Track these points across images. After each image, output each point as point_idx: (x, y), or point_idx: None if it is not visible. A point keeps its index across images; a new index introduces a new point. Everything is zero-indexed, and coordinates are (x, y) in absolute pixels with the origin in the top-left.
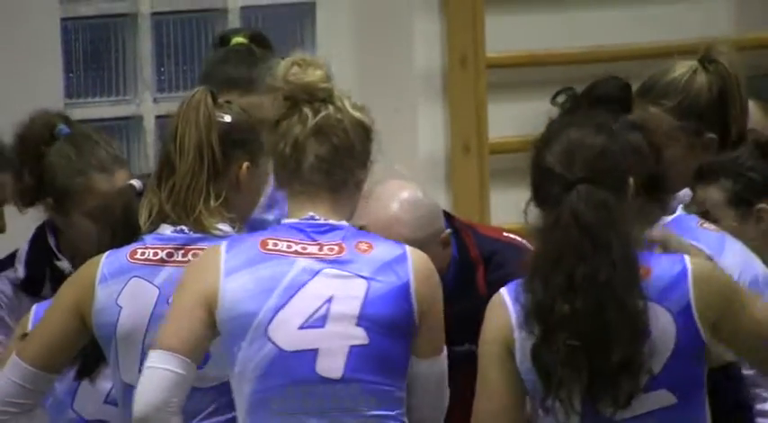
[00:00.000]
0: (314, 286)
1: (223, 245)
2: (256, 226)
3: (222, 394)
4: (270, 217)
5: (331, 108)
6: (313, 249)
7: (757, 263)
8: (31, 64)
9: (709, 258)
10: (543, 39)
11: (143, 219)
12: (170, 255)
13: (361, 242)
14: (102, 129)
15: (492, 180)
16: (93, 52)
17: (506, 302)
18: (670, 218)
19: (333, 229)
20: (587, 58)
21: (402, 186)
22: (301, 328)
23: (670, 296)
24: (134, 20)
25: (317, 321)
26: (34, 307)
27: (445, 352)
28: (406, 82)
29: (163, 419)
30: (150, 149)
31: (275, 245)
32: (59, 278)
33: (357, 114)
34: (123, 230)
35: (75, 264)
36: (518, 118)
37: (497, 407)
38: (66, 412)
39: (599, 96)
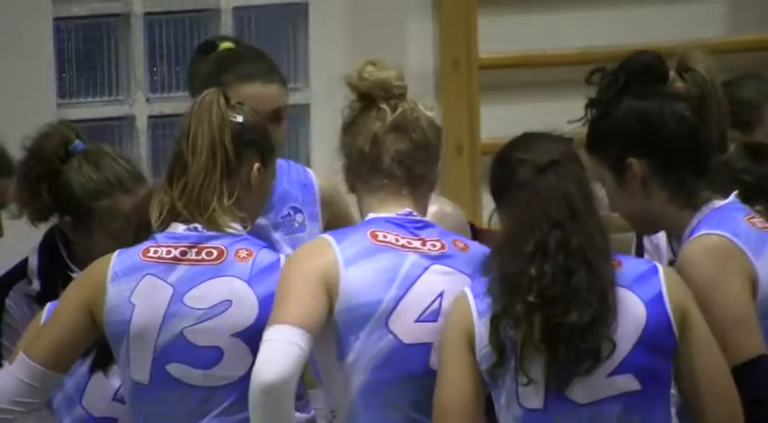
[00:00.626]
0: (426, 280)
1: (328, 236)
2: (253, 229)
3: (231, 393)
4: (264, 221)
5: (406, 105)
6: (417, 244)
7: None
8: (23, 64)
9: (744, 254)
10: (536, 40)
11: (154, 217)
12: (183, 253)
13: (456, 240)
14: (94, 129)
15: (484, 181)
16: (85, 52)
17: (468, 296)
18: (721, 203)
19: (428, 225)
20: (579, 59)
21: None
22: (417, 321)
23: (642, 285)
24: (126, 20)
25: (431, 315)
26: (48, 305)
27: None
28: None
29: (287, 393)
30: (143, 149)
31: (385, 237)
32: None
33: (430, 114)
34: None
35: None
36: (511, 119)
37: (457, 398)
38: (75, 408)
39: (635, 70)
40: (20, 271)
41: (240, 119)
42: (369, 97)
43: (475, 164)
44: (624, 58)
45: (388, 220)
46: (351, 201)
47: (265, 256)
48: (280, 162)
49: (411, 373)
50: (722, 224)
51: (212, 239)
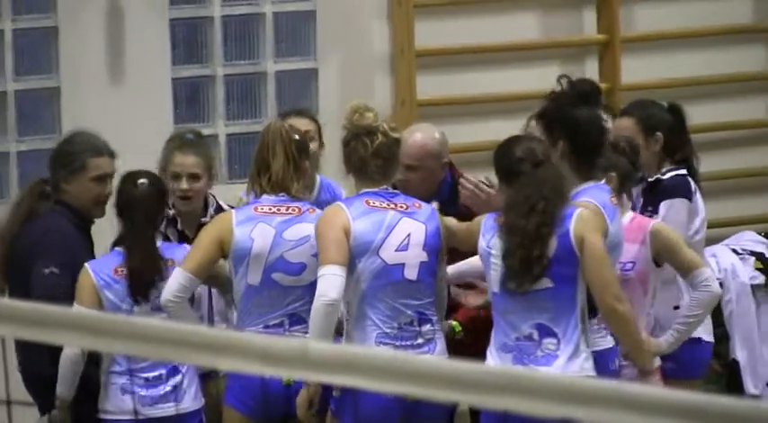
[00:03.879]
0: (400, 227)
1: (341, 204)
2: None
3: (309, 292)
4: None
5: (380, 137)
6: (392, 206)
7: (623, 235)
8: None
9: (599, 213)
10: (459, 37)
11: (251, 196)
12: (278, 209)
13: (414, 202)
14: None
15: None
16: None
17: (481, 223)
18: (592, 183)
19: (397, 194)
20: (496, 48)
21: (426, 126)
22: (396, 250)
23: (563, 224)
24: None
25: (404, 247)
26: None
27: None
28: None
29: (337, 308)
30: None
31: (373, 203)
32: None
33: (395, 135)
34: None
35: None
36: (437, 85)
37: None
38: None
39: (586, 90)
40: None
41: (296, 136)
42: (355, 134)
43: (414, 113)
44: (571, 81)
45: (373, 193)
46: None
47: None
48: (320, 178)
49: (392, 281)
50: (593, 198)
51: (293, 202)
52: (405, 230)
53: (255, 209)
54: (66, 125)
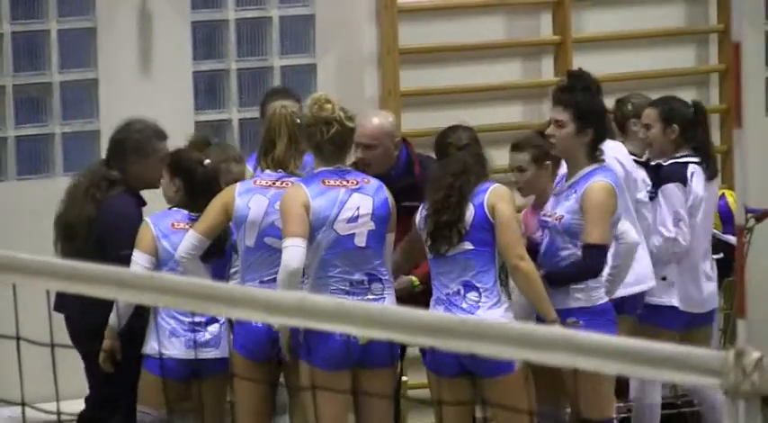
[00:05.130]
0: (351, 202)
1: (302, 185)
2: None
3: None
4: None
5: (336, 126)
6: (344, 183)
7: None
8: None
9: (610, 190)
10: (439, 37)
11: (257, 170)
12: (273, 183)
13: (364, 178)
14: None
15: (406, 119)
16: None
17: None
18: (597, 165)
19: (349, 172)
20: (468, 46)
21: (380, 111)
22: (347, 223)
23: (476, 197)
24: None
25: (353, 219)
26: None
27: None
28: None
29: (299, 275)
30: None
31: (328, 182)
32: None
33: (350, 124)
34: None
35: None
36: (417, 78)
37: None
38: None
39: (593, 80)
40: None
41: (299, 120)
42: (314, 122)
43: (398, 102)
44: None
45: (329, 172)
46: None
47: None
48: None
49: (346, 249)
50: (608, 176)
51: (288, 178)
52: (354, 204)
53: (255, 182)
54: (103, 111)
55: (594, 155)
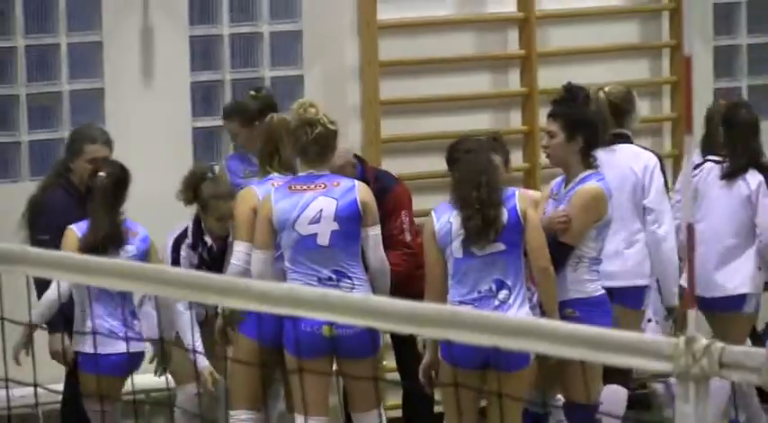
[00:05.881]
0: (314, 204)
1: (272, 189)
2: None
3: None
4: None
5: (320, 128)
6: (311, 187)
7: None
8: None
9: (600, 196)
10: (412, 11)
11: (264, 175)
12: (291, 185)
13: (334, 182)
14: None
15: (383, 94)
16: None
17: (432, 215)
18: (591, 171)
19: (319, 177)
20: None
21: (338, 148)
22: (309, 223)
23: (509, 201)
24: None
25: (316, 220)
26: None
27: (379, 226)
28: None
29: (245, 270)
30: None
31: (294, 187)
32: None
33: (332, 127)
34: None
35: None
36: (395, 49)
37: (430, 261)
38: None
39: (583, 93)
40: (184, 233)
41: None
42: (300, 124)
43: (378, 111)
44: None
45: (300, 178)
46: None
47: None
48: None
49: (309, 248)
50: (600, 182)
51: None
52: (317, 207)
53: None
54: (108, 118)
55: (588, 161)
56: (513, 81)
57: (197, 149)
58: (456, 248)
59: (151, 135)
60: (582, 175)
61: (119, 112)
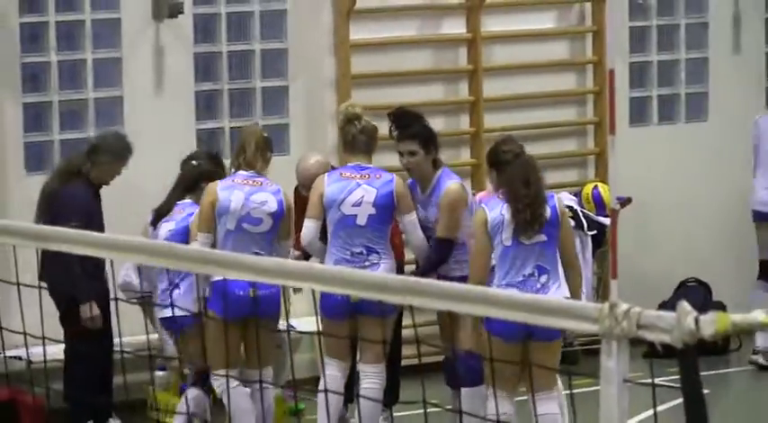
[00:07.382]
0: (358, 191)
1: (325, 175)
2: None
3: (266, 237)
4: None
5: (364, 122)
6: (357, 176)
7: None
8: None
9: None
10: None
11: (229, 171)
12: (247, 181)
13: (377, 174)
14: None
15: (357, 72)
16: None
17: (484, 207)
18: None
19: (366, 168)
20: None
21: (315, 157)
22: (352, 206)
23: (550, 201)
24: None
25: (358, 204)
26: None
27: (414, 212)
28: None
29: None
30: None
31: (344, 174)
32: None
33: (373, 124)
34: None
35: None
36: (370, 30)
37: (480, 248)
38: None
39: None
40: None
41: (265, 134)
42: (348, 119)
43: (348, 90)
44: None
45: (349, 167)
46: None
47: (274, 184)
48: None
49: (348, 226)
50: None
51: (257, 177)
52: (360, 193)
53: (233, 180)
54: (127, 120)
55: (435, 163)
56: (462, 91)
57: (200, 147)
58: (506, 237)
59: (162, 135)
60: (435, 176)
61: (135, 116)
